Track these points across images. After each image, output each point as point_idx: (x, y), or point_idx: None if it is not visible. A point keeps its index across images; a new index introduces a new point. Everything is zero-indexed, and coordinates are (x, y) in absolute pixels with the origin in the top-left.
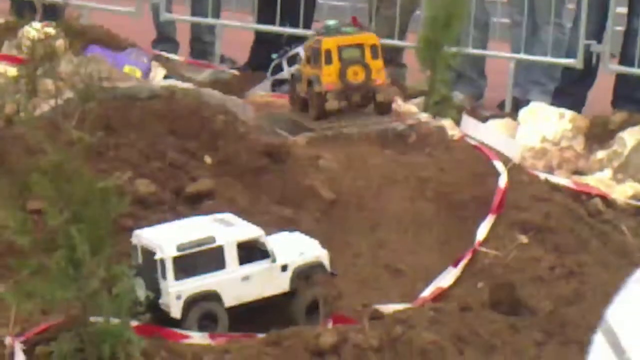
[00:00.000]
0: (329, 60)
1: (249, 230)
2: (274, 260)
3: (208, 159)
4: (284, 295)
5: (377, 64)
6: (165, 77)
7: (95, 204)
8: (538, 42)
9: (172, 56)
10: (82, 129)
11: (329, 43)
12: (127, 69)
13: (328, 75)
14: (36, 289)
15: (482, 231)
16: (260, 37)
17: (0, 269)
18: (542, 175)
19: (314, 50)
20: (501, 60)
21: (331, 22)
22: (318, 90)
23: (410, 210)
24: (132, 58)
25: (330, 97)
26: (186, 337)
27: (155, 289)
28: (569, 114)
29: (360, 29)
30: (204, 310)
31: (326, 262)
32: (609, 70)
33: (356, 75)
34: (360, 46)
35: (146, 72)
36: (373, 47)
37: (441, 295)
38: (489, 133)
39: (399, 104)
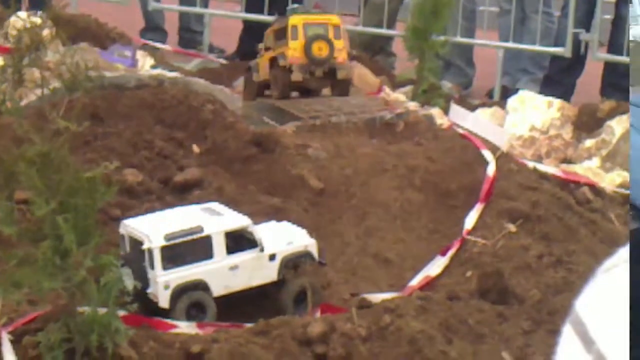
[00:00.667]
0: (295, 36)
1: (237, 220)
2: (262, 250)
3: (196, 148)
4: (272, 284)
5: (339, 43)
6: (153, 66)
7: (82, 194)
8: (526, 31)
9: (160, 45)
10: (69, 119)
11: (295, 19)
12: None
13: (294, 50)
14: (23, 279)
15: (471, 220)
16: (248, 26)
17: None
18: (531, 164)
19: (277, 33)
20: (490, 49)
21: (295, 5)
22: (283, 64)
23: (398, 199)
24: (115, 56)
25: (295, 70)
26: (174, 326)
27: (143, 278)
28: (557, 102)
29: (324, 13)
30: (192, 299)
31: (314, 251)
32: (598, 58)
33: (320, 51)
34: (324, 25)
35: (131, 65)
36: (336, 27)
37: (429, 284)
38: (478, 122)
39: (387, 93)
